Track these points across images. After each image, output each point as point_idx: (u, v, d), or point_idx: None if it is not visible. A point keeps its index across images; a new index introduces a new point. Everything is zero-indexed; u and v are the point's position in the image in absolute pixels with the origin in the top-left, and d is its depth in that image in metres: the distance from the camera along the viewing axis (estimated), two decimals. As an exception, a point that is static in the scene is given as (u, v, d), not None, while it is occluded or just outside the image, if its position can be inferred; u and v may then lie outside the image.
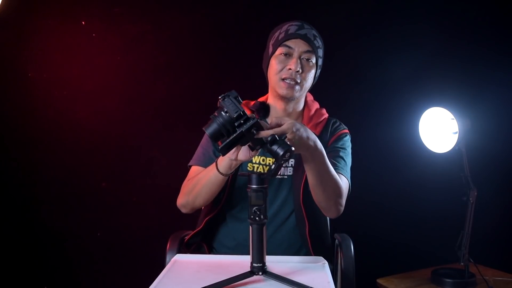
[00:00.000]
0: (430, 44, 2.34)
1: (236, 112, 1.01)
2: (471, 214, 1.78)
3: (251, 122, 1.02)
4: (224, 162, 1.27)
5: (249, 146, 1.11)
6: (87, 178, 2.35)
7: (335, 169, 1.36)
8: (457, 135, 1.77)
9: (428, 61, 2.32)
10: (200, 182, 1.37)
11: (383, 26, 2.37)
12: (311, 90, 1.54)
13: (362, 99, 2.40)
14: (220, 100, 1.03)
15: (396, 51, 2.33)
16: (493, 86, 2.29)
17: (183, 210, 1.44)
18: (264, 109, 1.49)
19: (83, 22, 2.30)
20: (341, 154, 1.45)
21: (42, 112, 2.30)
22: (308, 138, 1.16)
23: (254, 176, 1.04)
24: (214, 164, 1.31)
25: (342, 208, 1.36)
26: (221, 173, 1.29)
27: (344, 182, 1.38)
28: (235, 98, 1.03)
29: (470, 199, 1.77)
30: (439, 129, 1.86)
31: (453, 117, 1.78)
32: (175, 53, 2.35)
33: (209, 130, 1.03)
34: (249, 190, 1.04)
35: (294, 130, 1.11)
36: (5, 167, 2.33)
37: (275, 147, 1.03)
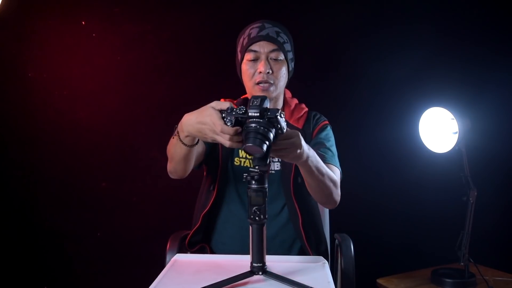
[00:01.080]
0: (430, 44, 2.34)
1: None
2: (471, 214, 1.78)
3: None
4: (191, 134, 1.16)
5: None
6: (87, 178, 2.35)
7: (324, 160, 1.38)
8: (457, 135, 1.77)
9: (428, 61, 2.32)
10: (174, 155, 1.32)
11: (383, 26, 2.37)
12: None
13: (362, 99, 2.40)
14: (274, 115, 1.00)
15: (396, 51, 2.33)
16: (493, 86, 2.29)
17: (172, 177, 1.42)
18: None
19: (83, 22, 2.30)
20: (327, 145, 1.47)
21: (42, 112, 2.30)
22: (302, 152, 1.13)
23: (253, 175, 1.03)
24: (176, 134, 1.22)
25: (339, 198, 1.38)
26: (186, 145, 1.23)
27: (336, 172, 1.40)
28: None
29: (470, 199, 1.78)
30: (439, 129, 1.86)
31: (453, 117, 1.78)
32: (175, 53, 2.35)
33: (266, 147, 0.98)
34: (249, 190, 1.04)
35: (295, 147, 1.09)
36: (5, 167, 2.33)
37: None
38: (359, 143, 2.31)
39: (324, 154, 1.43)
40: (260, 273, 1.06)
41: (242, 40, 1.46)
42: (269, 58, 1.41)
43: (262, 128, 0.98)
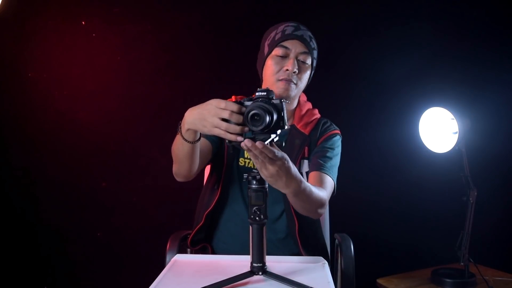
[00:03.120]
0: (430, 44, 2.34)
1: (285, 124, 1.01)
2: (471, 214, 1.78)
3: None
4: (191, 126, 1.14)
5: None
6: (87, 178, 2.35)
7: (320, 169, 1.38)
8: (457, 135, 1.77)
9: (428, 61, 2.32)
10: (177, 153, 1.31)
11: (383, 26, 2.37)
12: (308, 90, 1.54)
13: (362, 99, 2.40)
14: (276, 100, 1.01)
15: (396, 51, 2.33)
16: (493, 86, 2.29)
17: (177, 179, 1.41)
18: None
19: (83, 22, 2.30)
20: (328, 154, 1.44)
21: (42, 112, 2.30)
22: (284, 185, 1.07)
23: (254, 175, 1.03)
24: (179, 131, 1.21)
25: (324, 211, 1.35)
26: (188, 141, 1.21)
27: (329, 182, 1.38)
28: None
29: (470, 199, 1.77)
30: (439, 129, 1.86)
31: (453, 117, 1.78)
32: (175, 53, 2.35)
33: (262, 113, 0.97)
34: (249, 190, 1.04)
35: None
36: (5, 167, 2.33)
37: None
38: (359, 143, 2.31)
39: (322, 162, 1.41)
40: (260, 273, 1.06)
41: (274, 34, 1.43)
42: (297, 58, 1.40)
43: (266, 105, 0.98)
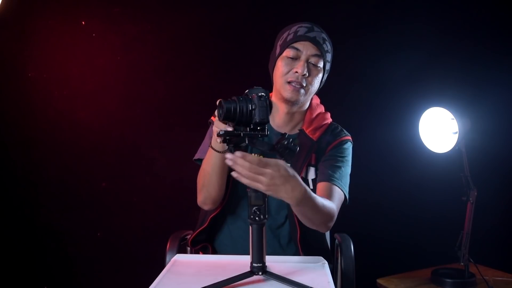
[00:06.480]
0: (430, 44, 2.34)
1: (262, 119, 0.99)
2: (471, 214, 1.78)
3: (261, 134, 1.01)
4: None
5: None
6: (87, 178, 2.35)
7: (330, 180, 1.35)
8: (457, 135, 1.77)
9: (428, 61, 2.32)
10: (206, 170, 1.34)
11: (383, 26, 2.37)
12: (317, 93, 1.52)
13: (362, 99, 2.40)
14: (254, 96, 1.00)
15: (396, 51, 2.33)
16: (493, 86, 2.29)
17: (206, 207, 1.41)
18: None
19: (83, 22, 2.30)
20: (338, 163, 1.40)
21: (42, 112, 2.31)
22: (287, 193, 1.05)
23: None
24: (209, 145, 1.28)
25: (332, 224, 1.32)
26: (216, 150, 1.26)
27: (338, 193, 1.35)
28: (267, 101, 1.01)
29: (470, 199, 1.77)
30: (439, 129, 1.86)
31: (453, 117, 1.78)
32: (175, 53, 2.35)
33: (228, 105, 0.99)
34: (249, 190, 1.04)
35: (270, 183, 1.00)
36: (5, 167, 2.33)
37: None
38: (359, 143, 2.30)
39: (333, 173, 1.37)
40: (260, 273, 1.06)
41: (287, 35, 1.39)
42: (308, 61, 1.36)
43: (239, 97, 1.00)
